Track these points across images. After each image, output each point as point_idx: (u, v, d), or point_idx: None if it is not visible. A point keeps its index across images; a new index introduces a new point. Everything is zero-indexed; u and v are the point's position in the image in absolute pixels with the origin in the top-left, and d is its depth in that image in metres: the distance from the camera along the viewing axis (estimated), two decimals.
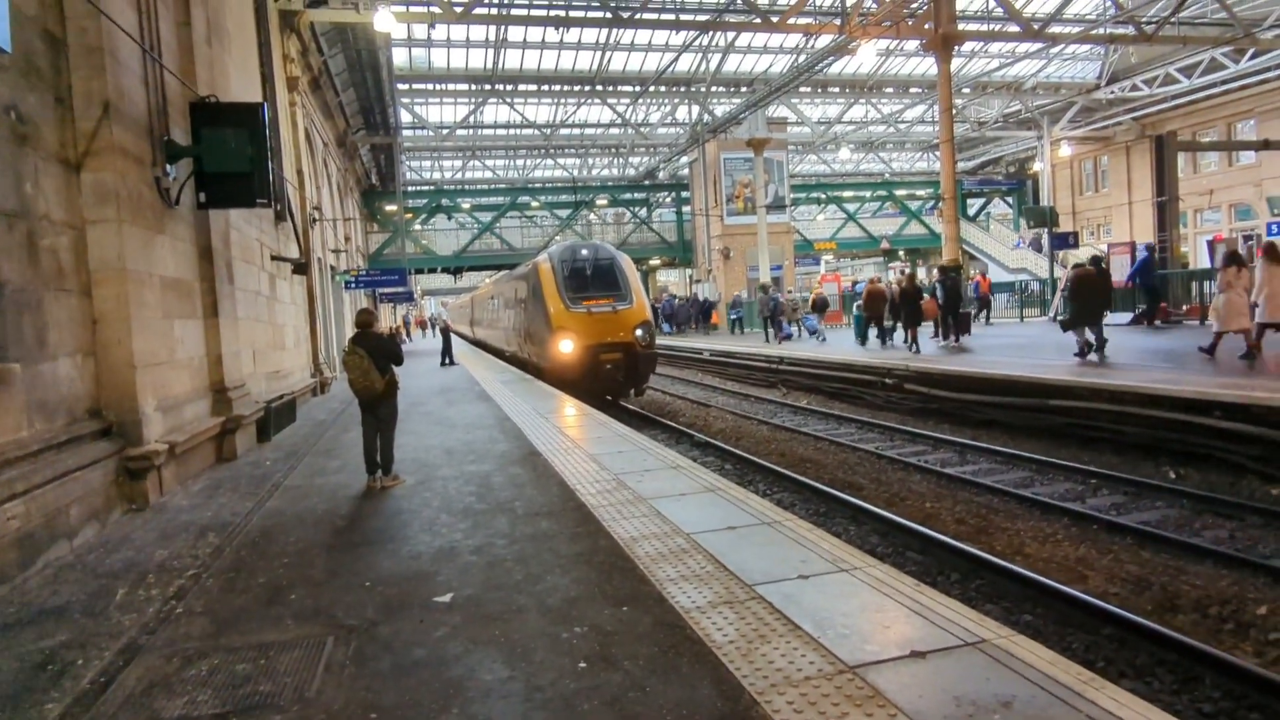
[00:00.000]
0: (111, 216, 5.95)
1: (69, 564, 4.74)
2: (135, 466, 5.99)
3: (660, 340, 19.19)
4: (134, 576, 4.46)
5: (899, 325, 17.34)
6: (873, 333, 18.74)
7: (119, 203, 5.98)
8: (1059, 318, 13.98)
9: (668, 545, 4.37)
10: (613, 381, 14.26)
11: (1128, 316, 18.45)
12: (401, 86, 27.93)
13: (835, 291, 29.00)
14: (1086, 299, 12.66)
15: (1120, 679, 4.23)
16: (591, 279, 14.55)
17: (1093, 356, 12.17)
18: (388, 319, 40.97)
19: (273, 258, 11.89)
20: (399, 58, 26.78)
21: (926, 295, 17.52)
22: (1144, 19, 23.58)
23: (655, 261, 42.53)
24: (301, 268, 13.68)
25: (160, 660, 3.32)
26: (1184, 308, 18.30)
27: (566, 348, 13.74)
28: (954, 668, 2.81)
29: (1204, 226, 33.40)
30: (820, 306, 23.20)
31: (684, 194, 39.79)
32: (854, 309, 20.82)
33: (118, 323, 6.01)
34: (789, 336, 23.61)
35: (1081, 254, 30.72)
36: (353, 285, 22.03)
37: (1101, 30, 24.30)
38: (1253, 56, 27.70)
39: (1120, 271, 19.29)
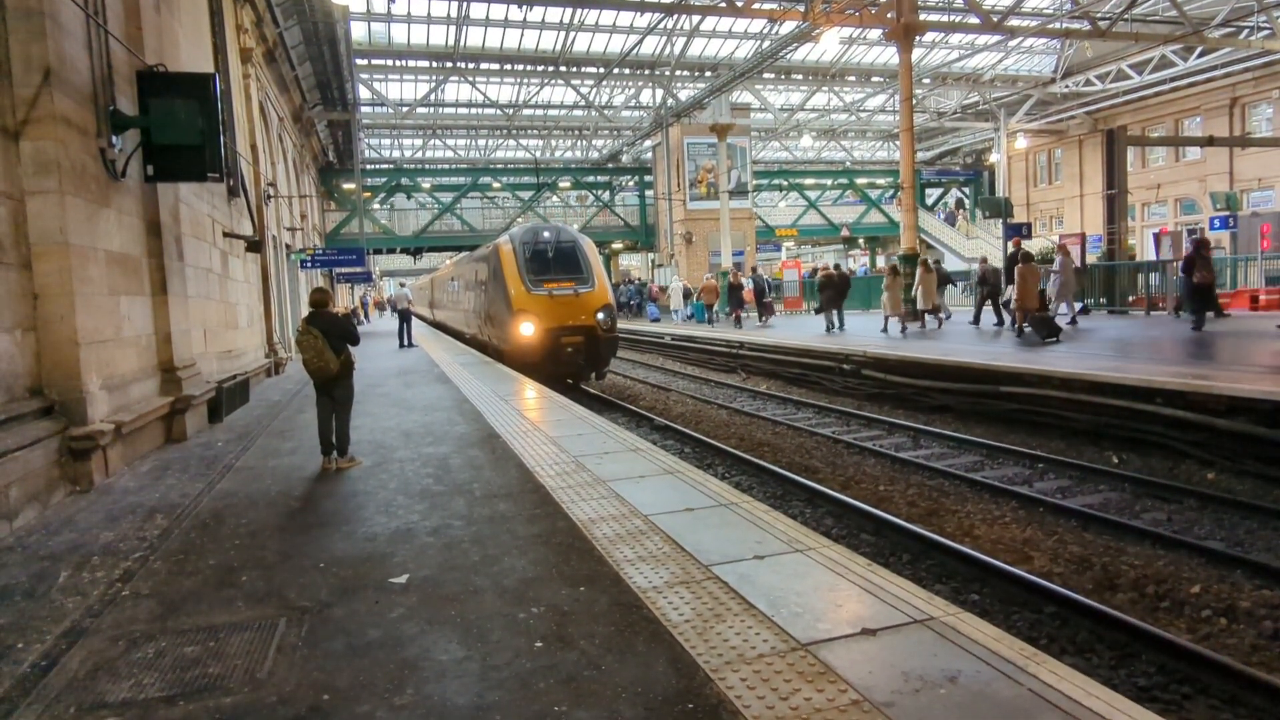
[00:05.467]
0: (53, 188, 5.73)
1: (8, 546, 4.60)
2: (79, 446, 5.82)
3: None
4: (78, 559, 4.34)
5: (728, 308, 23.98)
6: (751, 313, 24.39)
7: (61, 173, 5.76)
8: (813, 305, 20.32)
9: (626, 527, 4.39)
10: (573, 365, 14.23)
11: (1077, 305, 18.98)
12: (360, 62, 27.27)
13: (795, 279, 30.27)
14: (830, 293, 18.40)
15: (1062, 655, 4.38)
16: (553, 261, 14.45)
17: (837, 332, 17.89)
18: (345, 300, 40.26)
19: (225, 234, 11.58)
20: (358, 32, 26.10)
21: (747, 286, 24.15)
22: (1098, 14, 24.08)
23: (618, 245, 42.42)
24: (255, 245, 13.35)
25: (105, 643, 3.24)
26: (1129, 298, 18.84)
27: (527, 330, 13.65)
28: (903, 644, 2.88)
29: (1151, 220, 34.37)
30: (686, 294, 28.93)
31: (647, 178, 39.70)
32: (695, 298, 27.77)
33: (60, 298, 5.81)
34: (656, 319, 29.85)
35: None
36: (309, 264, 21.58)
37: (1058, 25, 24.76)
38: (1200, 55, 28.49)
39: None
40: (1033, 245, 30.87)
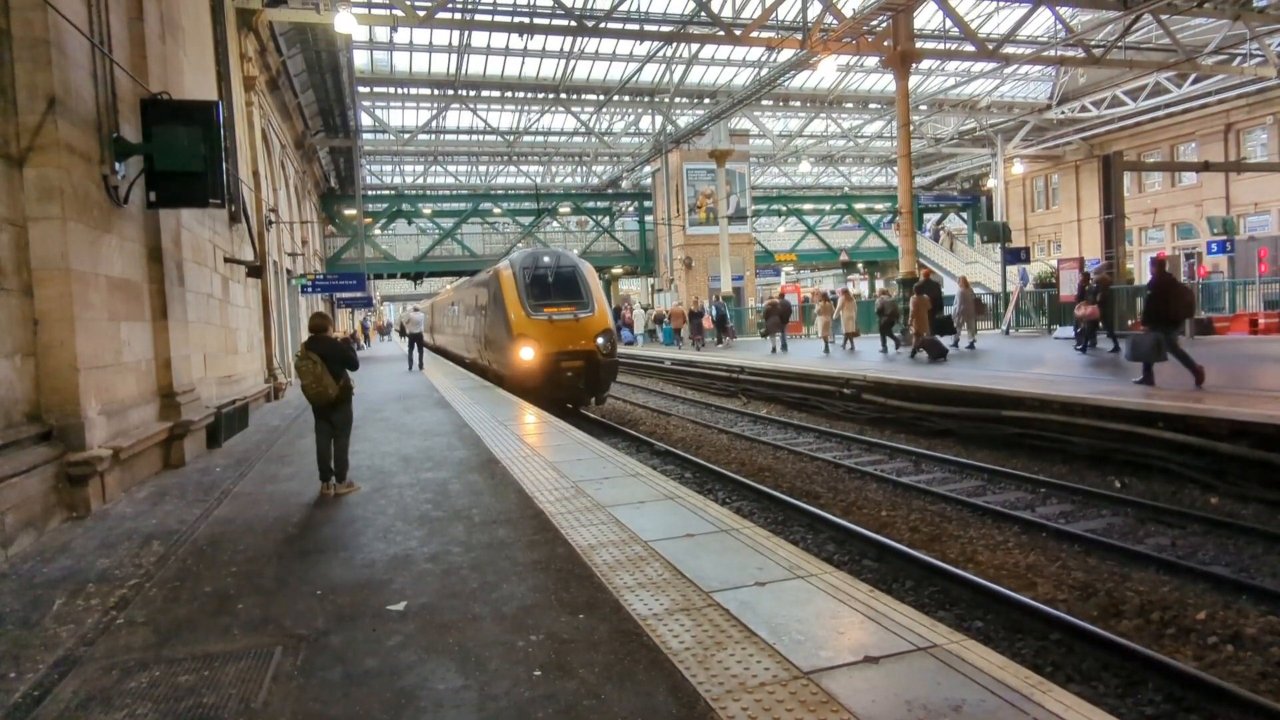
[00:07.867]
0: (56, 214, 5.76)
1: (3, 573, 4.56)
2: (77, 472, 5.79)
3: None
4: (73, 586, 4.30)
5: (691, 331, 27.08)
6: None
7: (64, 200, 5.79)
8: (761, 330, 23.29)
9: (626, 553, 4.35)
10: (573, 389, 14.21)
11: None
12: (362, 89, 27.56)
13: (796, 302, 30.60)
14: (775, 319, 21.55)
15: (1067, 683, 4.32)
16: (553, 286, 14.48)
17: (781, 353, 20.47)
18: (345, 324, 40.32)
19: (226, 260, 11.62)
20: (360, 60, 26.42)
21: (707, 315, 27.38)
22: (1093, 42, 24.36)
23: (618, 270, 42.58)
24: (256, 270, 13.37)
25: (98, 672, 3.20)
26: (1129, 322, 18.84)
27: (527, 355, 13.65)
28: (906, 672, 2.85)
29: (1149, 244, 34.54)
30: (659, 320, 31.99)
31: (647, 203, 39.94)
32: (664, 323, 30.94)
33: (60, 324, 5.82)
34: (632, 342, 32.10)
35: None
36: (309, 289, 21.63)
37: (1053, 52, 25.04)
38: (1194, 82, 28.80)
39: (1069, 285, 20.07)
40: (1031, 269, 31.30)
